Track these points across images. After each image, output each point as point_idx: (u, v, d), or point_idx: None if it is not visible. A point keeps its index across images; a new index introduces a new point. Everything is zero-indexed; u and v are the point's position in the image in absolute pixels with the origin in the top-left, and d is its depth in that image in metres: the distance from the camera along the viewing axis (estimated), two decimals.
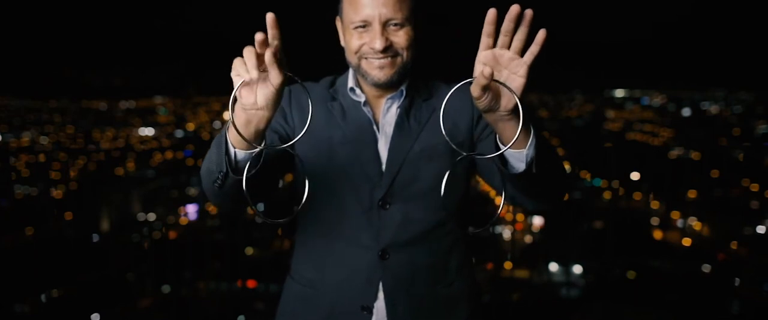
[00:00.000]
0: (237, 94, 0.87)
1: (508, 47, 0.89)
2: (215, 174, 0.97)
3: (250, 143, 0.91)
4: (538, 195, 1.05)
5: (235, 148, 0.94)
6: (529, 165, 0.96)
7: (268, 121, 0.91)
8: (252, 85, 0.87)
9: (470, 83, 0.88)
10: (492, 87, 0.87)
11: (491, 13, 0.87)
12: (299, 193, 1.28)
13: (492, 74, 0.83)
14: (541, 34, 0.87)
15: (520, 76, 0.89)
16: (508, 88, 0.88)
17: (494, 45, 0.90)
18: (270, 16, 0.82)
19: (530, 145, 0.94)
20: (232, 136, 0.93)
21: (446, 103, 0.92)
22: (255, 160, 0.96)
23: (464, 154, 0.98)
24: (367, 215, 1.19)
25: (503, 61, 0.89)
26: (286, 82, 0.86)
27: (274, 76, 0.83)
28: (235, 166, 0.96)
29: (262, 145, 0.94)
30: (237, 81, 0.86)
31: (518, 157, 0.97)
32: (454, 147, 0.95)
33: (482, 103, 0.88)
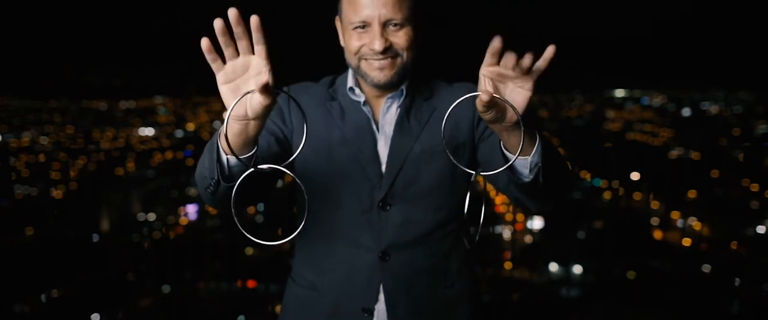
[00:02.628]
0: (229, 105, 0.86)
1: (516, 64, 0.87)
2: (207, 180, 0.97)
3: (236, 156, 0.90)
4: (543, 198, 1.05)
5: (226, 154, 0.94)
6: (535, 173, 0.96)
7: (260, 129, 0.90)
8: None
9: (474, 96, 0.87)
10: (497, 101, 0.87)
11: (496, 42, 0.84)
12: (299, 198, 1.27)
13: (492, 94, 0.84)
14: (550, 51, 0.85)
15: (526, 90, 0.88)
16: (512, 107, 0.88)
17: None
18: (254, 20, 0.80)
19: (535, 152, 0.95)
20: (223, 143, 0.92)
21: (446, 106, 0.91)
22: (245, 167, 0.95)
23: (474, 172, 0.99)
24: (367, 216, 1.19)
25: (509, 74, 0.87)
26: (275, 98, 0.84)
27: (263, 97, 0.82)
28: (229, 172, 0.96)
29: (254, 150, 0.94)
30: (225, 91, 0.86)
31: (523, 163, 0.97)
32: (455, 161, 0.97)
33: (487, 116, 0.88)
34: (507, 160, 0.99)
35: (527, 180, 0.98)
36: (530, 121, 0.92)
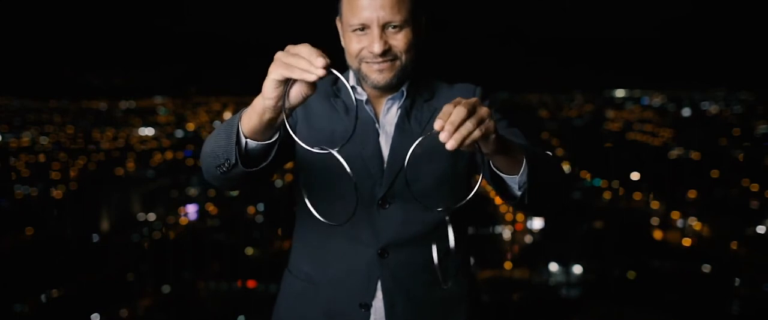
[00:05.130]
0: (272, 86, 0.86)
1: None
2: (221, 159, 0.98)
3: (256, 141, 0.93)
4: (537, 207, 1.10)
5: (246, 138, 0.96)
6: (523, 191, 1.01)
7: (287, 116, 0.92)
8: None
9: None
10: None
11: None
12: (299, 193, 1.28)
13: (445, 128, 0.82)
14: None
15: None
16: (480, 150, 0.90)
17: None
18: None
19: (523, 172, 0.98)
20: (246, 126, 0.95)
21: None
22: (267, 152, 0.99)
23: (480, 176, 1.02)
24: (367, 212, 1.19)
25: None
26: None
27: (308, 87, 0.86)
28: (245, 155, 0.98)
29: (277, 135, 0.96)
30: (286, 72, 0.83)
31: (512, 180, 1.02)
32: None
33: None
34: (495, 175, 1.04)
35: (517, 195, 1.03)
36: (518, 138, 0.96)
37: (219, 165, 0.99)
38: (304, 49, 0.82)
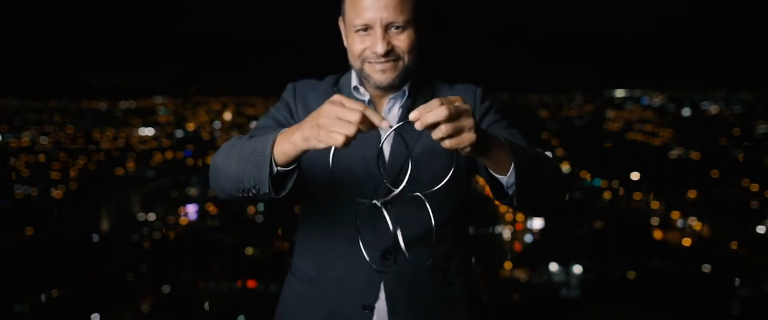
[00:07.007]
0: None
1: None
2: (246, 185, 0.99)
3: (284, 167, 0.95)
4: (531, 208, 1.11)
5: (278, 166, 0.96)
6: (511, 192, 1.01)
7: None
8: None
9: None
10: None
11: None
12: (298, 196, 1.28)
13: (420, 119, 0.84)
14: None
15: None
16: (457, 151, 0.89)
17: None
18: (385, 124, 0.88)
19: (511, 173, 0.99)
20: (281, 157, 0.95)
21: None
22: (292, 171, 1.00)
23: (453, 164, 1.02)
24: (370, 214, 1.19)
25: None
26: None
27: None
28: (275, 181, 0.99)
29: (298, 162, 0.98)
30: (338, 138, 0.89)
31: (502, 180, 1.03)
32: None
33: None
34: (490, 175, 1.05)
35: (508, 193, 1.04)
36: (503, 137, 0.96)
37: (243, 189, 0.99)
38: (369, 112, 0.87)
